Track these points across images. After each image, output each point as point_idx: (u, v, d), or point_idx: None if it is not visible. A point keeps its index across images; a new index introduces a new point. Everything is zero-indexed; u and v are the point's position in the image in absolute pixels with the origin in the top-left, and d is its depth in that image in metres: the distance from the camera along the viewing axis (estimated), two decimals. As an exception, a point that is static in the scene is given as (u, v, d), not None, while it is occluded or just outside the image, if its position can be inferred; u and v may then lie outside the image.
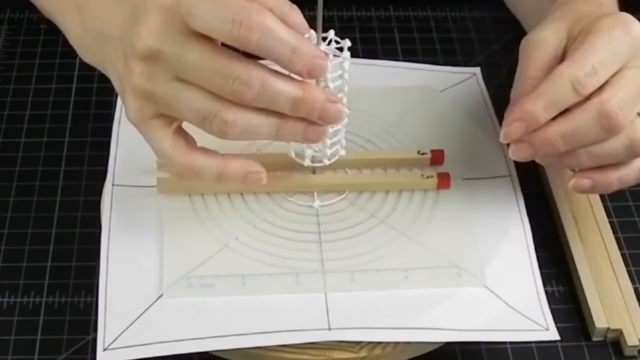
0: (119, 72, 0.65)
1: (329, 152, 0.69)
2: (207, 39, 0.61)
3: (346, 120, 0.66)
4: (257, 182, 0.66)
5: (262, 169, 0.66)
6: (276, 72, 0.61)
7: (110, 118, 0.77)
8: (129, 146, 0.74)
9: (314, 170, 0.72)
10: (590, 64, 0.64)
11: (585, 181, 0.67)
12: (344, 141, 0.69)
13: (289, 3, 0.64)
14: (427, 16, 0.92)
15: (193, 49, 0.60)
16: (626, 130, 0.65)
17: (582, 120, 0.64)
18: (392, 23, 0.92)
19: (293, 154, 0.70)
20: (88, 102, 0.82)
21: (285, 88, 0.61)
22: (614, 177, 0.67)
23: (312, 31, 0.64)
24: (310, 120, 0.63)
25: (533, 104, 0.64)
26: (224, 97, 0.61)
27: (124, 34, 0.64)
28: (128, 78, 0.63)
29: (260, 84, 0.60)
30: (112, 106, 0.79)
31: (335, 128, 0.67)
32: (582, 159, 0.66)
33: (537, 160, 0.67)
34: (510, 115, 0.65)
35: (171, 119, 0.64)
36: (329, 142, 0.68)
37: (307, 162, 0.69)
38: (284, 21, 0.61)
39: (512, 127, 0.65)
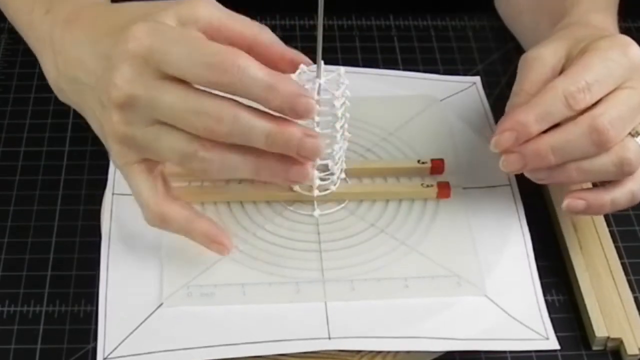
0: (98, 118, 0.66)
1: (336, 177, 0.70)
2: (180, 81, 0.61)
3: (347, 144, 0.68)
4: (218, 252, 0.66)
5: (227, 239, 0.66)
6: (250, 108, 0.62)
7: (110, 127, 0.77)
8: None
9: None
10: (584, 80, 0.65)
11: (578, 202, 0.68)
12: (344, 165, 0.70)
13: (258, 25, 0.65)
14: (427, 25, 0.93)
15: (168, 92, 0.61)
16: (616, 149, 0.66)
17: (573, 133, 0.65)
18: (392, 32, 0.92)
19: (298, 187, 0.70)
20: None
21: (259, 122, 0.61)
22: (607, 199, 0.68)
23: (303, 66, 0.66)
24: (292, 160, 0.63)
25: (525, 115, 0.65)
26: (200, 137, 0.62)
27: (98, 82, 0.65)
28: (108, 125, 0.64)
29: (232, 118, 0.61)
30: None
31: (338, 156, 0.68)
32: (572, 174, 0.67)
33: (527, 175, 0.68)
34: (502, 124, 0.66)
35: (153, 164, 0.65)
36: (336, 167, 0.69)
37: (315, 193, 0.70)
38: (256, 43, 0.63)
39: (503, 136, 0.66)
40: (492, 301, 0.67)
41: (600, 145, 0.65)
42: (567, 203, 0.69)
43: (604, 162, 0.66)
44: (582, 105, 0.65)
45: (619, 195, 0.68)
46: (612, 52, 0.67)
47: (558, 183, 0.70)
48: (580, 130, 0.65)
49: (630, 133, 0.67)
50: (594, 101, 0.66)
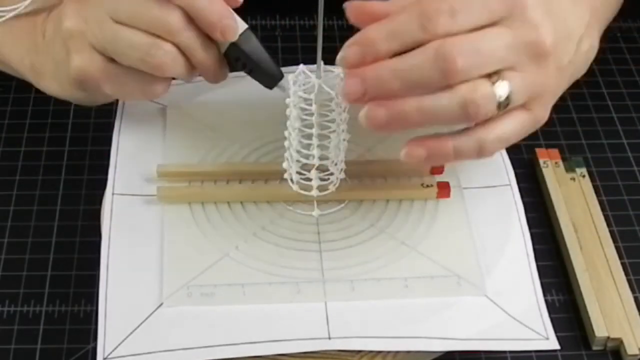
0: (61, 36, 0.69)
1: (335, 177, 0.70)
2: None
3: (346, 144, 0.68)
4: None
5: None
6: None
7: (110, 127, 0.77)
8: (129, 155, 0.74)
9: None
10: (450, 4, 0.59)
11: (418, 149, 0.62)
12: (343, 165, 0.70)
13: None
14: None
15: None
16: (463, 87, 0.60)
17: (418, 57, 0.59)
18: (392, 32, 0.92)
19: (297, 188, 0.70)
20: (88, 111, 0.82)
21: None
22: (449, 145, 0.62)
23: (303, 66, 0.66)
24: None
25: (375, 31, 0.60)
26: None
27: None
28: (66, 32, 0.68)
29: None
30: (112, 115, 0.79)
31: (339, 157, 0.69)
32: (413, 114, 0.60)
33: (365, 120, 0.61)
34: (351, 39, 0.61)
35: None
36: (336, 168, 0.69)
37: (314, 193, 0.70)
38: None
39: (349, 49, 0.61)
40: (492, 301, 0.67)
41: (446, 74, 0.59)
42: (406, 151, 0.63)
43: (447, 101, 0.60)
44: (439, 30, 0.59)
45: (464, 143, 0.62)
46: None
47: (398, 128, 0.62)
48: (426, 55, 0.59)
49: (489, 75, 0.60)
50: (455, 30, 0.59)
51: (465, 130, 0.62)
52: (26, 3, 0.71)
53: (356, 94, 0.61)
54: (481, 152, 0.63)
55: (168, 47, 0.67)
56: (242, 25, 0.69)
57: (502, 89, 0.61)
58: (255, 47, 0.69)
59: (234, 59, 0.69)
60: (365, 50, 0.60)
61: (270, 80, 0.69)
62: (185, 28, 0.67)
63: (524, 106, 0.63)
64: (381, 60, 0.60)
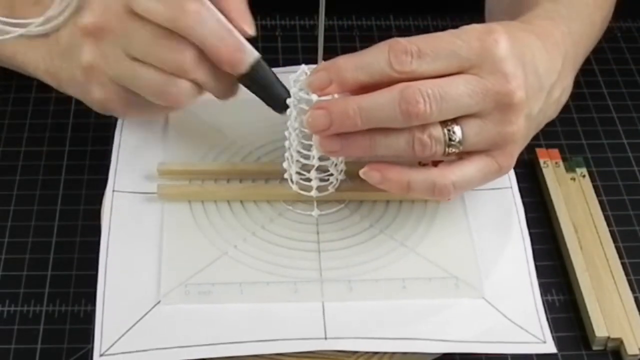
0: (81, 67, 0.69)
1: (335, 178, 0.70)
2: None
3: None
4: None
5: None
6: None
7: (110, 127, 0.77)
8: (131, 152, 0.74)
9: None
10: (418, 47, 0.61)
11: (374, 173, 0.64)
12: (343, 165, 0.70)
13: None
14: (427, 25, 0.93)
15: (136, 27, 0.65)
16: (416, 128, 0.61)
17: (383, 97, 0.61)
18: (392, 32, 0.92)
19: (297, 188, 0.70)
20: (88, 111, 0.82)
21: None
22: (404, 179, 0.64)
23: (304, 66, 0.66)
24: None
25: (345, 60, 0.62)
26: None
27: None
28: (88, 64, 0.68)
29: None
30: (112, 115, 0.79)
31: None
32: (365, 142, 0.62)
33: (322, 146, 0.64)
34: (321, 65, 0.63)
35: None
36: (336, 169, 0.69)
37: (314, 193, 0.70)
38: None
39: (317, 74, 0.63)
40: (490, 303, 0.66)
41: (407, 117, 0.60)
42: (365, 170, 0.64)
43: (395, 137, 0.62)
44: (404, 68, 0.60)
45: (418, 180, 0.64)
46: (469, 34, 0.62)
47: (352, 155, 0.65)
48: (390, 96, 0.60)
49: (446, 121, 0.62)
50: (421, 71, 0.61)
51: (424, 168, 0.64)
52: (39, 21, 0.70)
53: (322, 125, 0.62)
54: (435, 193, 0.64)
55: (182, 83, 0.67)
56: (252, 55, 0.68)
57: (453, 133, 0.62)
58: (265, 76, 0.68)
59: (245, 85, 0.69)
60: (333, 77, 0.62)
61: (280, 107, 0.69)
62: (198, 66, 0.67)
63: (486, 153, 0.64)
64: (346, 90, 0.62)
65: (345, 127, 0.62)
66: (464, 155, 0.64)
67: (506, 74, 0.62)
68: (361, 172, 0.65)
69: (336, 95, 0.64)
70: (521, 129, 0.64)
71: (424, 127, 0.62)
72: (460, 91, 0.61)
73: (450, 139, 0.62)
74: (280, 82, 0.69)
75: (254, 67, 0.68)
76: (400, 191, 0.65)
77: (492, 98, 0.62)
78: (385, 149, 0.62)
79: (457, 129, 0.62)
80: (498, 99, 0.62)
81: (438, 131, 0.62)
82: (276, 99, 0.69)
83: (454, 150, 0.63)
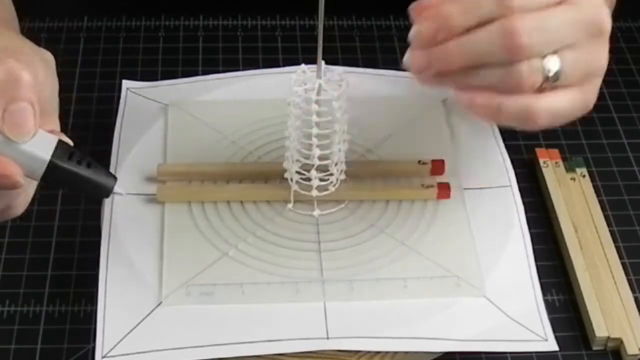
0: None
1: (335, 178, 0.70)
2: None
3: (346, 145, 0.68)
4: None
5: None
6: None
7: (110, 127, 0.77)
8: (130, 154, 0.74)
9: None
10: None
11: (464, 95, 0.62)
12: (343, 165, 0.70)
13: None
14: (427, 25, 0.92)
15: None
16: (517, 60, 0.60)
17: (483, 33, 0.59)
18: (392, 32, 0.92)
19: (297, 188, 0.70)
20: (88, 111, 0.82)
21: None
22: (494, 102, 0.61)
23: (304, 65, 0.65)
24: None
25: (451, 6, 0.60)
26: None
27: None
28: None
29: None
30: (112, 115, 0.79)
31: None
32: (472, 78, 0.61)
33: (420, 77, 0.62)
34: (424, 14, 0.60)
35: None
36: (336, 168, 0.69)
37: (314, 193, 0.70)
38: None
39: (423, 24, 0.60)
40: (491, 302, 0.66)
41: (510, 51, 0.59)
42: (456, 93, 0.62)
43: (496, 70, 0.60)
44: (515, 4, 0.59)
45: (510, 104, 0.61)
46: None
47: (445, 84, 0.63)
48: (492, 31, 0.59)
49: (552, 52, 0.60)
50: (529, 5, 0.59)
51: (515, 94, 0.61)
52: None
53: (422, 65, 0.61)
54: (528, 118, 0.61)
55: None
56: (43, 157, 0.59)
57: (552, 64, 0.60)
58: (65, 177, 0.60)
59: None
60: (441, 27, 0.60)
61: (102, 194, 0.62)
62: None
63: (575, 85, 0.62)
64: (454, 36, 0.60)
65: (445, 64, 0.60)
66: (558, 87, 0.62)
67: (597, 4, 0.62)
68: (461, 98, 0.62)
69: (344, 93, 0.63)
70: (605, 59, 0.63)
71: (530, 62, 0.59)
72: (560, 22, 0.60)
73: (548, 70, 0.60)
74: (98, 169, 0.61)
75: (45, 176, 0.59)
76: (489, 116, 0.62)
77: (587, 27, 0.61)
78: (481, 77, 0.61)
79: (554, 60, 0.60)
80: (591, 28, 0.61)
81: (538, 62, 0.60)
82: (93, 190, 0.61)
83: (551, 82, 0.61)
